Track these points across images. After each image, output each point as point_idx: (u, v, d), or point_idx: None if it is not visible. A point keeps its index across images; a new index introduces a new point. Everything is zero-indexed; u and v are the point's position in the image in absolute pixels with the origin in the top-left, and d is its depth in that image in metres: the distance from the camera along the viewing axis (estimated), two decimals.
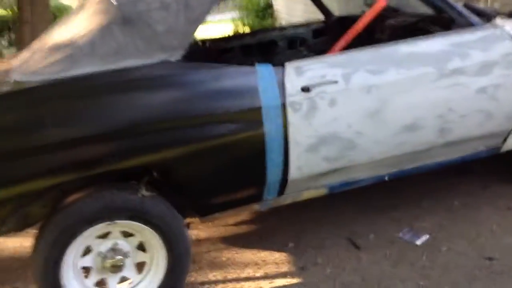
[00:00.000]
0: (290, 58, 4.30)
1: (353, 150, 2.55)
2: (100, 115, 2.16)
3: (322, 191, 2.69)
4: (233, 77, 2.36)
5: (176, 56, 2.31)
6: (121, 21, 2.28)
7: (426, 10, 3.27)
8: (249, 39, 4.06)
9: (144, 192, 2.28)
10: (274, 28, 4.25)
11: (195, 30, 2.35)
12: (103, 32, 2.26)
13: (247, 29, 9.86)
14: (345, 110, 2.47)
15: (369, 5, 3.79)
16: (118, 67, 2.24)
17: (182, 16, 2.33)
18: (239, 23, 10.14)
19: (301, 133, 2.43)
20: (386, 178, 2.79)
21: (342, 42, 2.73)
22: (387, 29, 3.52)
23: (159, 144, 2.23)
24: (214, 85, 2.32)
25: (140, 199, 2.25)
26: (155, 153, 2.24)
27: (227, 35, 4.45)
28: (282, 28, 4.17)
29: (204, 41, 4.02)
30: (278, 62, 4.18)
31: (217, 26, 11.29)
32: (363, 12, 3.89)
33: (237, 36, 4.18)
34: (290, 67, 2.43)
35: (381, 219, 3.08)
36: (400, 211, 3.16)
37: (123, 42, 2.26)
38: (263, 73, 2.38)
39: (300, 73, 2.43)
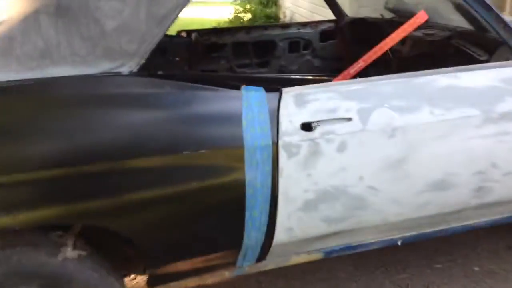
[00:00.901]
0: (291, 63, 3.69)
1: (363, 209, 1.90)
2: (8, 148, 1.49)
3: (317, 256, 2.05)
4: (208, 102, 1.70)
5: (130, 66, 1.64)
6: (54, 10, 1.59)
7: (462, 22, 2.61)
8: (244, 35, 3.38)
9: (69, 252, 1.63)
10: (275, 25, 3.56)
11: (162, 32, 1.68)
12: (26, 24, 1.57)
13: (248, 16, 9.13)
14: (358, 158, 1.82)
15: (391, 10, 3.10)
16: (42, 76, 1.57)
17: (144, 9, 1.65)
18: (240, 8, 9.38)
19: (296, 185, 1.78)
20: (399, 243, 2.16)
21: (361, 63, 2.06)
22: (409, 41, 2.84)
23: (91, 192, 1.57)
24: (180, 113, 1.66)
25: (60, 263, 1.60)
26: (86, 203, 1.57)
27: (219, 28, 3.76)
28: (285, 26, 3.48)
29: (188, 32, 3.33)
30: (275, 68, 3.60)
31: (216, 8, 10.55)
32: (382, 17, 3.22)
33: (231, 30, 3.48)
34: (288, 95, 1.76)
35: (384, 286, 2.45)
36: (408, 272, 2.54)
37: (54, 41, 1.58)
38: (250, 100, 1.72)
39: (301, 103, 1.76)
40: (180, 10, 1.68)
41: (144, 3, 1.64)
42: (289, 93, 1.76)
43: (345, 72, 2.07)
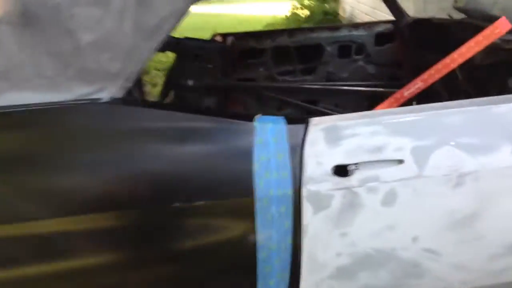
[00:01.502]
0: (340, 69, 3.21)
1: (417, 278, 1.45)
2: None
3: None
4: (209, 138, 1.30)
5: (111, 91, 1.28)
6: (18, 19, 1.25)
7: None
8: (286, 39, 2.95)
9: None
10: (322, 28, 3.09)
11: (153, 48, 1.30)
12: None
13: (306, 12, 8.64)
14: (411, 213, 1.37)
15: (461, 10, 2.55)
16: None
17: (130, 19, 1.27)
18: (298, 4, 8.90)
19: (325, 247, 1.35)
20: None
21: (419, 83, 1.59)
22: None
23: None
24: (171, 153, 1.27)
25: None
26: None
27: (258, 31, 3.35)
28: (333, 28, 3.01)
29: (224, 36, 2.94)
30: (322, 76, 3.13)
31: (272, 4, 10.14)
32: (450, 17, 2.67)
33: (271, 33, 3.06)
34: (317, 128, 1.33)
35: None
36: None
37: (17, 59, 1.24)
38: (265, 135, 1.31)
39: (334, 140, 1.33)
40: (177, 20, 1.29)
41: (131, 11, 1.26)
42: (318, 125, 1.33)
43: (397, 95, 1.60)
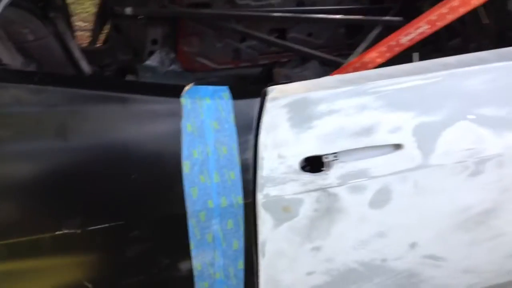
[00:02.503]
0: None
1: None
2: None
3: None
4: (104, 127, 0.85)
5: None
6: None
7: None
8: None
9: None
10: None
11: None
12: None
13: None
14: (409, 214, 0.99)
15: None
16: None
17: None
18: None
19: (292, 266, 0.97)
20: None
21: (424, 26, 1.12)
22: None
23: None
24: (49, 150, 0.82)
25: None
26: None
27: None
28: None
29: None
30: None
31: None
32: None
33: None
34: (278, 104, 0.88)
35: None
36: None
37: None
38: (198, 117, 0.86)
39: (303, 119, 0.89)
40: None
41: None
42: (279, 99, 0.88)
43: (390, 41, 1.12)
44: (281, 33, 2.29)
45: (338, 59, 1.89)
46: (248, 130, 0.88)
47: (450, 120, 0.94)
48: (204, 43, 2.25)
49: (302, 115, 0.89)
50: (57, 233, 0.81)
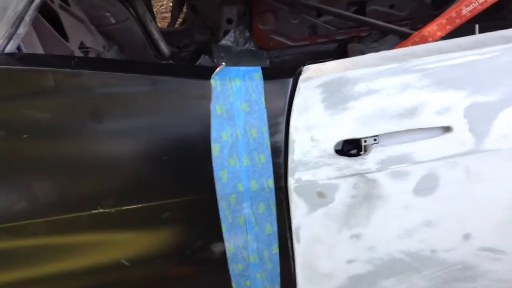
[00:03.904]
0: None
1: (469, 282, 1.01)
2: None
3: None
4: (132, 109, 0.86)
5: None
6: None
7: None
8: None
9: None
10: None
11: None
12: None
13: None
14: (461, 203, 0.90)
15: None
16: None
17: None
18: None
19: (330, 252, 0.93)
20: None
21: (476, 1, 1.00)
22: None
23: None
24: (82, 132, 0.85)
25: None
26: None
27: None
28: None
29: None
30: None
31: None
32: None
33: None
34: (312, 84, 0.84)
35: None
36: None
37: None
38: (227, 99, 0.84)
39: (339, 100, 0.84)
40: None
41: None
42: (312, 80, 0.84)
43: (451, 13, 1.02)
44: (360, 6, 2.19)
45: None
46: (279, 112, 0.85)
47: (508, 100, 0.83)
48: (279, 20, 2.22)
49: (338, 96, 0.84)
50: (93, 212, 0.85)
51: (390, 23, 1.87)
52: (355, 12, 2.13)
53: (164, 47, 2.08)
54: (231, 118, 0.84)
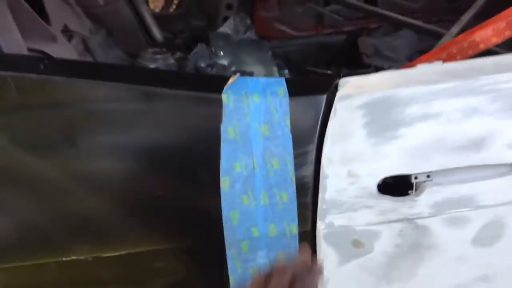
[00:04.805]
0: None
1: None
2: None
3: None
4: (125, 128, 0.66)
5: None
6: None
7: None
8: None
9: None
10: None
11: None
12: None
13: None
14: None
15: None
16: None
17: None
18: None
19: None
20: None
21: None
22: None
23: None
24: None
25: None
26: None
27: None
28: None
29: None
30: None
31: None
32: None
33: None
34: (352, 104, 0.65)
35: None
36: None
37: None
38: (242, 120, 0.65)
39: (386, 126, 0.65)
40: None
41: None
42: (352, 98, 0.65)
43: (502, 22, 0.81)
44: None
45: (436, 28, 1.57)
46: (308, 139, 0.65)
47: None
48: (283, 7, 2.03)
49: (385, 120, 0.65)
50: (64, 259, 0.65)
51: (401, 15, 1.70)
52: (366, 2, 1.96)
53: (156, 32, 1.89)
54: (246, 144, 0.65)
